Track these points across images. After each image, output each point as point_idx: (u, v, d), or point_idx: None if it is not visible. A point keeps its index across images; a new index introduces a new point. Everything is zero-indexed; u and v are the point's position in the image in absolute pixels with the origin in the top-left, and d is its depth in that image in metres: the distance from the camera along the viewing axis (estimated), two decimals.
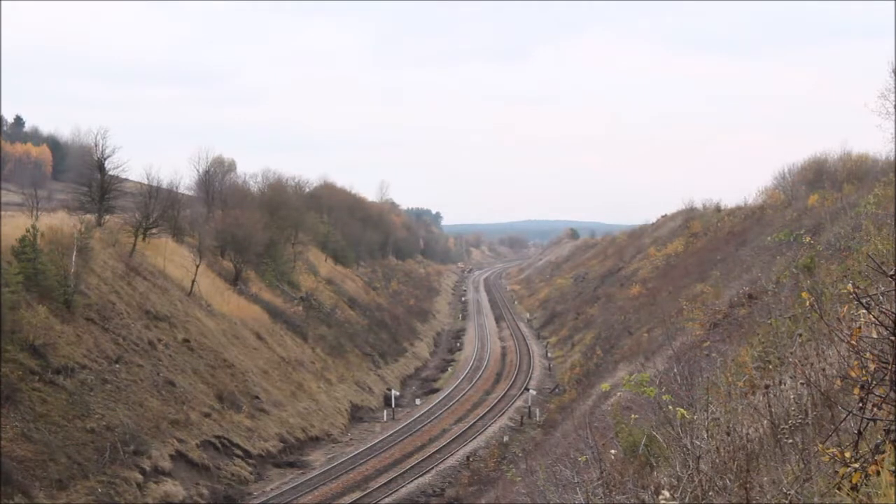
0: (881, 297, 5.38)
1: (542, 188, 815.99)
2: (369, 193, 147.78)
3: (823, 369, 7.46)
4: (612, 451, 11.03)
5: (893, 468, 4.69)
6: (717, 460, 7.03)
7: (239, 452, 37.75)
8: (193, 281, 48.56)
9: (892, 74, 32.88)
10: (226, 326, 47.95)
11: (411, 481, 37.37)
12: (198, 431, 36.15)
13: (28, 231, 34.15)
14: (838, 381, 7.09)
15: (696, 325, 30.71)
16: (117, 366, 34.46)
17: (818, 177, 53.47)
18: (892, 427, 4.82)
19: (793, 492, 5.65)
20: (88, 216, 45.54)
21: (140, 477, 30.37)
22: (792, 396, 7.69)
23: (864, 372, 5.10)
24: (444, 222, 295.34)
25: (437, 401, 56.22)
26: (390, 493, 35.43)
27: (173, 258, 50.53)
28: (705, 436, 7.63)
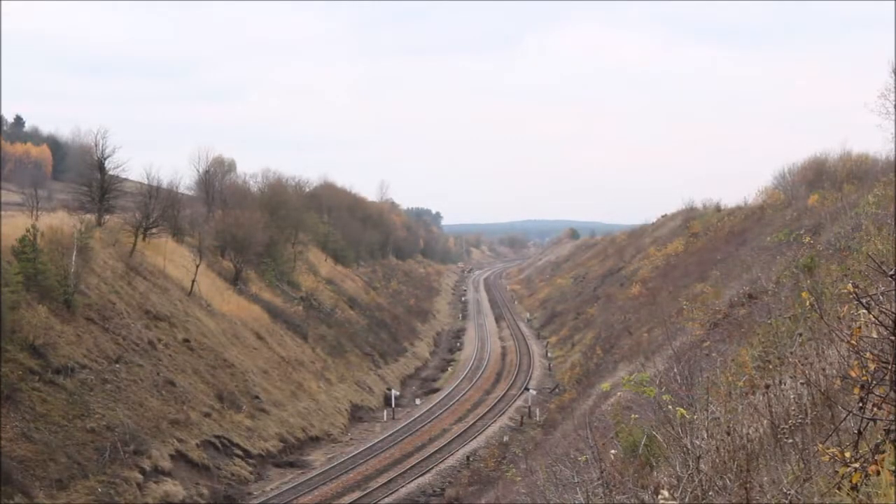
0: (881, 297, 5.38)
1: (543, 188, 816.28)
2: (369, 193, 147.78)
3: (823, 369, 7.47)
4: (612, 451, 11.04)
5: (893, 468, 4.69)
6: (717, 460, 7.03)
7: (239, 452, 37.76)
8: (193, 281, 48.57)
9: (892, 74, 32.93)
10: (226, 326, 47.97)
11: (411, 481, 37.38)
12: (198, 431, 36.15)
13: (28, 231, 34.16)
14: (838, 381, 7.09)
15: (696, 324, 30.66)
16: (117, 366, 34.47)
17: (818, 177, 53.46)
18: (892, 427, 4.82)
19: (793, 492, 5.65)
20: (88, 216, 45.53)
21: (140, 477, 30.38)
22: (792, 396, 7.69)
23: (864, 372, 5.10)
24: (444, 222, 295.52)
25: (437, 400, 56.22)
26: (390, 493, 35.43)
27: (173, 258, 50.54)
28: (705, 436, 7.63)
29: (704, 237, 64.61)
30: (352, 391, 55.60)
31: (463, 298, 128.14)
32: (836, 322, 7.19)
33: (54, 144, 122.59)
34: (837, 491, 5.00)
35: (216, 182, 76.01)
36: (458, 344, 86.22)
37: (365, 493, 35.10)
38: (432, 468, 39.63)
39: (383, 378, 62.77)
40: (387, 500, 34.80)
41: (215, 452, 36.23)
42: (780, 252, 31.85)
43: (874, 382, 5.04)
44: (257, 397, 43.13)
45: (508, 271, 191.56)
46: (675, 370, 14.96)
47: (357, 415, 52.25)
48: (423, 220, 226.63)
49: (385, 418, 51.19)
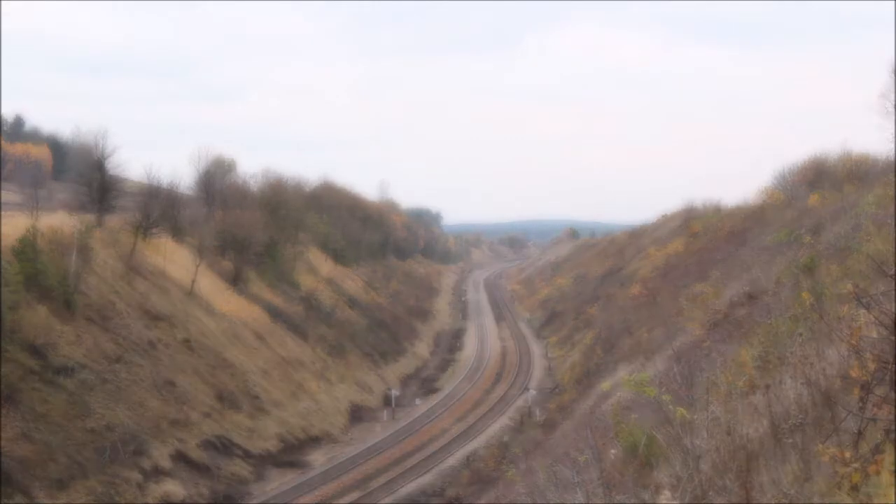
0: (881, 297, 5.38)
1: (543, 188, 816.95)
2: (369, 193, 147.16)
3: (823, 369, 7.46)
4: (612, 451, 11.05)
5: (893, 468, 4.69)
6: (717, 460, 7.03)
7: (239, 452, 37.76)
8: (193, 281, 48.55)
9: (892, 74, 32.90)
10: (226, 326, 47.95)
11: (411, 481, 37.40)
12: (198, 431, 36.16)
13: (28, 231, 34.15)
14: (838, 381, 7.09)
15: (696, 325, 30.64)
16: (117, 366, 34.46)
17: (818, 177, 53.37)
18: (892, 427, 4.82)
19: (793, 492, 5.65)
20: (88, 216, 45.50)
21: (140, 477, 30.38)
22: (792, 396, 7.68)
23: (864, 372, 5.10)
24: (444, 222, 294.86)
25: (437, 400, 56.23)
26: (390, 493, 35.45)
27: (173, 258, 50.50)
28: (705, 436, 7.63)
29: (704, 237, 64.50)
30: (352, 391, 55.59)
31: (463, 298, 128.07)
32: (836, 322, 7.19)
33: (54, 144, 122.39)
34: (837, 491, 5.00)
35: (216, 182, 75.92)
36: (459, 344, 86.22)
37: (365, 493, 35.11)
38: (432, 468, 39.64)
39: (383, 378, 62.75)
40: (387, 500, 34.81)
41: (215, 452, 36.23)
42: (780, 252, 31.82)
43: (874, 382, 5.04)
44: (257, 397, 43.12)
45: (508, 271, 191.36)
46: (675, 370, 14.96)
47: (357, 415, 52.24)
48: (424, 219, 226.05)
49: (385, 418, 51.18)
